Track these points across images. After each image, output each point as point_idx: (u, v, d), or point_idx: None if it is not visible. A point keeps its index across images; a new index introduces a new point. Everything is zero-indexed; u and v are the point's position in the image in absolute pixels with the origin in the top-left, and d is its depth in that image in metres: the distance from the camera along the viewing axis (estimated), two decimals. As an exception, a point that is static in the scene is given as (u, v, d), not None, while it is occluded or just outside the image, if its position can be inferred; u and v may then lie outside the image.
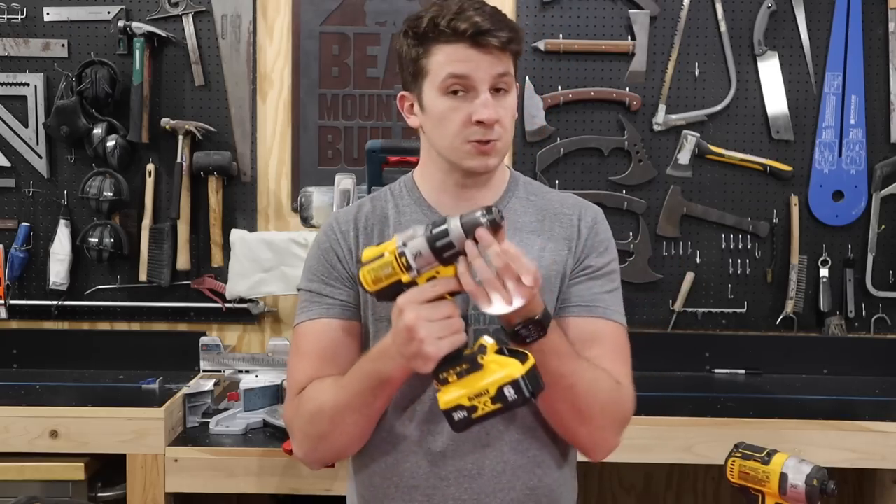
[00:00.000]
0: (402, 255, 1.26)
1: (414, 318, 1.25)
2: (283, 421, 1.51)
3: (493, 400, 1.26)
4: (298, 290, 1.56)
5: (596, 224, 1.55)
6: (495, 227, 1.24)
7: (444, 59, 1.41)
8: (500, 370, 1.26)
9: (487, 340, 1.30)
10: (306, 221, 2.58)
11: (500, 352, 1.29)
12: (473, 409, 1.27)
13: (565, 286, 1.50)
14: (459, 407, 1.28)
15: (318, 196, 2.56)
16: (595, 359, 1.45)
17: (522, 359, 1.28)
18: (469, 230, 1.24)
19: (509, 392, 1.26)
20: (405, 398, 1.47)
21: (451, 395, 1.28)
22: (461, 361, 1.27)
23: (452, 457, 1.46)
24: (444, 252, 1.25)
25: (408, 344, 1.27)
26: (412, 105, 1.50)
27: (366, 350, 1.50)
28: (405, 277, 1.27)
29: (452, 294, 1.28)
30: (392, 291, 1.29)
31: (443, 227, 1.25)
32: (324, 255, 1.52)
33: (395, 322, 1.29)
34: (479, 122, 1.41)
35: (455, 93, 1.42)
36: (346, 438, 1.45)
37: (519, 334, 1.32)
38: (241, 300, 2.85)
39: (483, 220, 1.24)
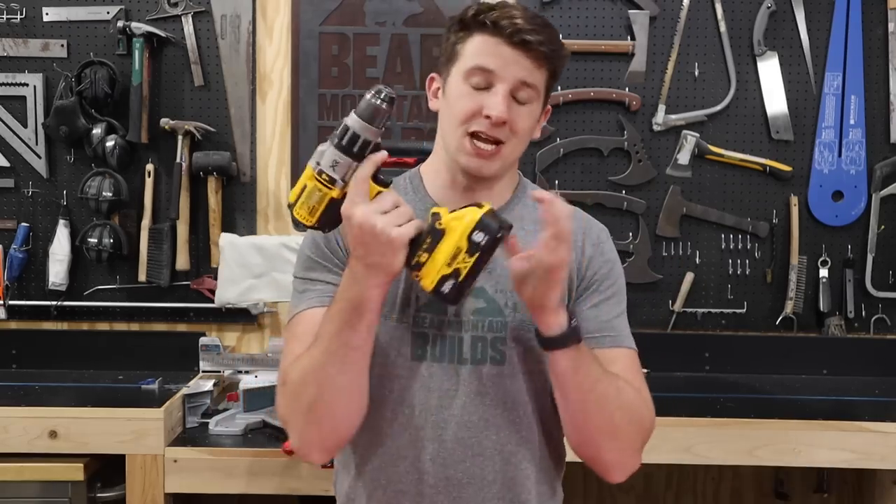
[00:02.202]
0: (320, 173, 1.27)
1: (364, 214, 1.25)
2: (278, 417, 1.48)
3: (470, 252, 1.28)
4: (294, 277, 1.51)
5: (601, 243, 1.54)
6: (390, 103, 1.27)
7: (476, 49, 1.41)
8: (461, 222, 1.28)
9: (439, 208, 1.32)
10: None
11: (453, 211, 1.31)
12: (457, 272, 1.28)
13: (573, 307, 1.49)
14: (443, 278, 1.28)
15: (312, 198, 2.54)
16: None
17: (477, 206, 1.30)
18: (368, 116, 1.26)
19: (479, 236, 1.27)
20: (396, 402, 1.45)
21: (430, 273, 1.29)
22: (424, 238, 1.29)
23: (442, 465, 1.44)
24: (354, 146, 1.27)
25: (369, 246, 1.26)
26: (438, 89, 1.49)
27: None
28: (335, 192, 1.28)
29: (377, 179, 1.29)
30: (332, 214, 1.30)
31: (342, 126, 1.27)
32: (323, 244, 1.48)
33: (350, 233, 1.28)
34: (487, 117, 1.40)
35: (477, 87, 1.41)
36: (333, 396, 1.34)
37: (563, 337, 1.35)
38: (236, 303, 2.85)
39: (376, 101, 1.27)
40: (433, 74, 1.51)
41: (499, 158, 1.43)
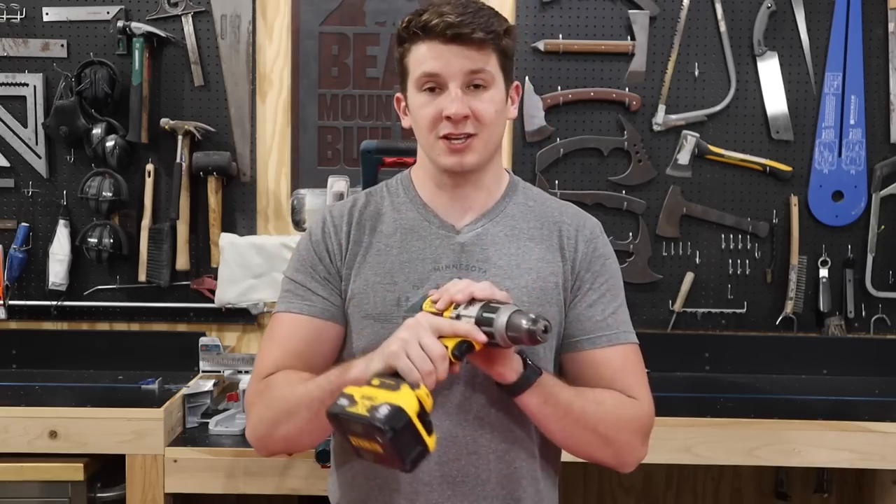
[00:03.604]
0: (456, 305, 1.33)
1: (415, 333, 1.28)
2: (244, 401, 1.52)
3: (369, 409, 1.23)
4: (284, 276, 1.54)
5: (595, 238, 1.54)
6: (532, 340, 1.28)
7: (419, 58, 1.43)
8: (398, 397, 1.24)
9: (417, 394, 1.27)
10: (298, 225, 2.49)
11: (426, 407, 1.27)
12: (354, 403, 1.24)
13: (568, 307, 1.51)
14: (350, 397, 1.25)
15: (310, 199, 2.52)
16: (609, 382, 1.48)
17: (428, 430, 1.26)
18: (513, 333, 1.28)
19: (381, 412, 1.22)
20: None
21: (359, 392, 1.26)
22: (396, 376, 1.28)
23: (437, 462, 1.44)
24: (482, 325, 1.31)
25: (391, 342, 1.30)
26: (405, 107, 1.51)
27: (344, 346, 1.50)
28: (448, 312, 1.34)
29: (460, 349, 1.31)
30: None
31: (493, 313, 1.30)
32: (314, 248, 1.52)
33: (400, 330, 1.31)
34: (448, 118, 1.41)
35: (432, 90, 1.43)
36: (297, 432, 1.43)
37: (518, 385, 1.38)
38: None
39: (525, 329, 1.28)
40: (398, 95, 1.53)
41: (473, 150, 1.45)
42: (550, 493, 1.55)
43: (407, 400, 1.24)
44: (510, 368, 1.36)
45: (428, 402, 1.26)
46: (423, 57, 1.42)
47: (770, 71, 2.90)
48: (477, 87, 1.43)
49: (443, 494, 1.45)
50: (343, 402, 1.25)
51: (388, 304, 1.46)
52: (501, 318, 1.29)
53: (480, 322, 1.30)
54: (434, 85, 1.42)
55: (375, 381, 1.27)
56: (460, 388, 1.44)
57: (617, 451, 1.48)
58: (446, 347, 1.29)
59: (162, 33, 2.84)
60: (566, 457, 1.58)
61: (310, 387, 1.39)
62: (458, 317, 1.31)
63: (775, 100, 2.90)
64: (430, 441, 1.25)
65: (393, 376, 1.27)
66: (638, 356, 1.54)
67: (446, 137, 1.43)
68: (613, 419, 1.45)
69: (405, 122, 1.52)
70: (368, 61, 2.91)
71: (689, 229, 2.93)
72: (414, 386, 1.26)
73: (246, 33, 2.89)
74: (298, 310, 1.48)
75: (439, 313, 1.33)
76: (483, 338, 1.29)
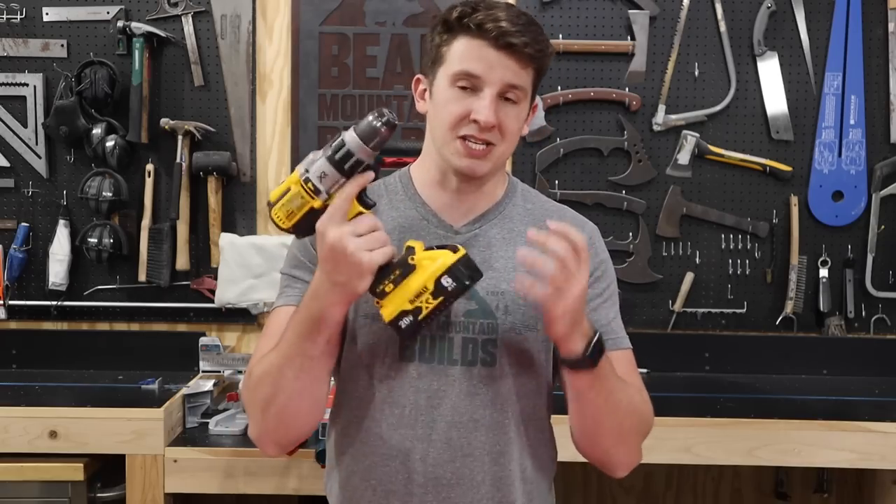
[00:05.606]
0: (307, 181, 1.27)
1: (338, 234, 1.26)
2: (243, 405, 1.52)
3: (434, 295, 1.28)
4: (280, 272, 1.53)
5: (595, 243, 1.54)
6: (391, 127, 1.27)
7: (462, 53, 1.41)
8: (433, 263, 1.29)
9: (414, 242, 1.33)
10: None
11: (428, 249, 1.32)
12: (417, 310, 1.29)
13: None
14: (403, 313, 1.29)
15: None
16: None
17: (453, 250, 1.31)
18: (366, 136, 1.27)
19: (447, 281, 1.28)
20: (385, 403, 1.44)
21: (392, 305, 1.29)
22: (394, 269, 1.29)
23: (432, 464, 1.44)
24: (345, 163, 1.27)
25: (338, 265, 1.27)
26: (425, 90, 1.50)
27: (344, 347, 1.48)
28: (317, 203, 1.29)
29: (362, 199, 1.29)
30: (308, 222, 1.30)
31: (339, 140, 1.27)
32: (310, 241, 1.47)
33: (321, 249, 1.28)
34: (475, 121, 1.40)
35: (463, 88, 1.41)
36: (286, 398, 1.38)
37: (585, 360, 1.34)
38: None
39: (377, 124, 1.27)
40: (419, 76, 1.51)
41: (490, 158, 1.44)
42: (546, 495, 1.55)
43: (433, 260, 1.29)
44: (575, 346, 1.34)
45: (421, 244, 1.33)
46: (468, 54, 1.40)
47: (770, 71, 2.90)
48: (508, 99, 1.42)
49: (437, 497, 1.44)
50: (407, 320, 1.29)
51: None
52: (350, 135, 1.27)
53: (336, 157, 1.27)
54: (468, 84, 1.41)
55: (389, 286, 1.29)
56: (456, 391, 1.43)
57: (627, 451, 1.49)
58: (360, 213, 1.29)
59: (162, 33, 2.84)
60: (566, 456, 1.58)
61: (281, 346, 1.38)
62: (307, 171, 1.28)
63: (775, 100, 2.90)
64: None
65: (387, 270, 1.29)
66: (634, 362, 1.55)
67: (465, 138, 1.42)
68: (636, 416, 1.46)
69: (420, 107, 1.51)
70: (368, 61, 2.90)
71: (689, 229, 2.93)
72: (410, 252, 1.30)
73: (246, 33, 2.89)
74: (295, 301, 1.46)
75: (309, 195, 1.29)
76: (364, 179, 1.29)
